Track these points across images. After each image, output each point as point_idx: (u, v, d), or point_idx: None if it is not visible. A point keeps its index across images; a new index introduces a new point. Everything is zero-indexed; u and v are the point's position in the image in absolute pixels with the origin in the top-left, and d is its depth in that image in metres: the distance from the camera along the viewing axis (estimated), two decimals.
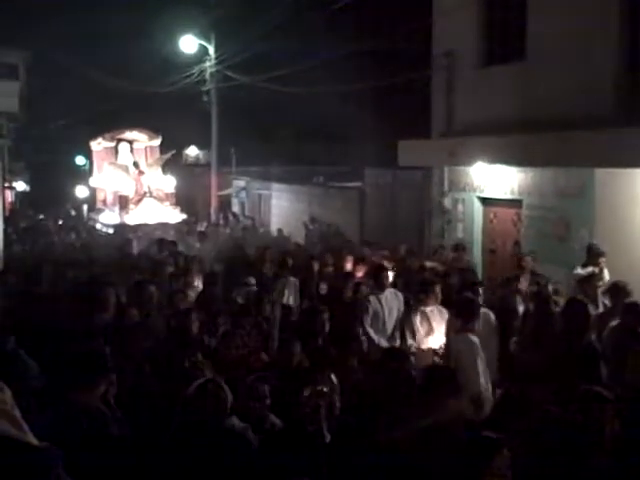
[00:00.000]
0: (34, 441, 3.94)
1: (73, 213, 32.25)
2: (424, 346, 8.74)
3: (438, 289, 9.11)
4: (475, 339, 7.46)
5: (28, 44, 34.91)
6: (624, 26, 11.86)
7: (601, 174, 12.14)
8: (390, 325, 9.43)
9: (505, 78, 14.46)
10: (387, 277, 9.90)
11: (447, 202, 16.62)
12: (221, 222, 25.94)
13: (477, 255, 15.72)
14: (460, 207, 16.32)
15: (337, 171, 29.39)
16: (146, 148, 27.42)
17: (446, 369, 6.48)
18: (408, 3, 22.76)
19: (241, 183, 33.50)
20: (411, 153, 16.64)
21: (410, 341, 8.89)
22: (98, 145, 27.68)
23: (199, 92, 28.79)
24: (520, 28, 13.94)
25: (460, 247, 13.65)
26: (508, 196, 14.68)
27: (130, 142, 27.48)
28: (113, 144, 27.34)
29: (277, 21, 22.93)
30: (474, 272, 12.42)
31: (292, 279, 11.46)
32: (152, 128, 27.75)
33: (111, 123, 27.74)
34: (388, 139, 18.62)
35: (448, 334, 8.36)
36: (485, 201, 15.74)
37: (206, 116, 29.49)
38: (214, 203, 29.79)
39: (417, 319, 8.93)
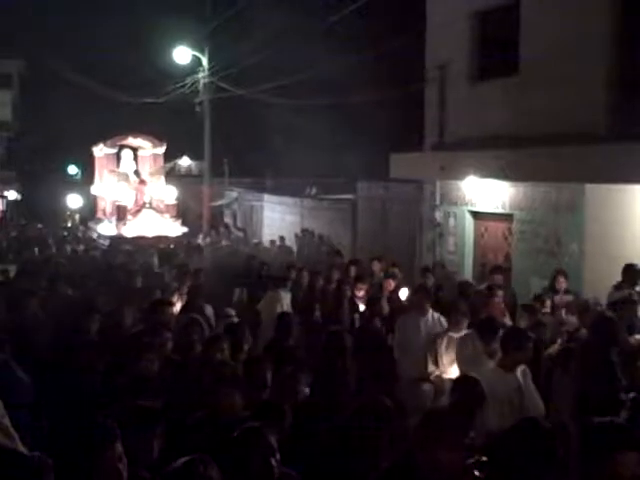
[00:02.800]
0: (24, 450, 3.94)
1: (69, 224, 31.87)
2: (446, 375, 7.92)
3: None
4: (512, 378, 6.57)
5: (22, 53, 34.98)
6: (616, 42, 11.94)
7: (592, 189, 12.20)
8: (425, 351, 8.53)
9: (498, 92, 14.52)
10: (428, 299, 9.10)
11: (438, 215, 16.65)
12: (212, 234, 25.44)
13: (468, 269, 15.76)
14: (451, 221, 16.36)
15: (329, 183, 29.42)
16: (151, 156, 26.46)
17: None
18: (402, 16, 22.87)
19: (233, 194, 33.45)
20: (403, 166, 16.69)
21: (431, 367, 8.16)
22: (100, 151, 26.68)
23: (192, 103, 28.79)
24: (513, 43, 14.01)
25: (498, 269, 12.39)
26: (499, 210, 14.73)
27: (134, 149, 26.47)
28: (114, 150, 26.30)
29: (271, 33, 22.99)
30: (513, 295, 11.71)
31: (284, 293, 11.19)
32: (155, 135, 26.98)
33: (104, 133, 27.38)
34: (380, 152, 18.67)
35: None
36: (476, 215, 15.78)
37: (199, 127, 29.48)
38: (206, 215, 29.61)
39: (443, 345, 8.17)
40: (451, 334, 8.20)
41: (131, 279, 12.55)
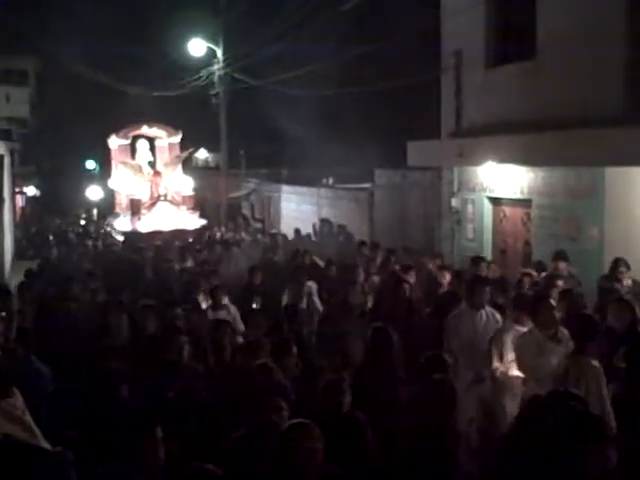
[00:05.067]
0: (46, 445, 3.96)
1: (82, 222, 31.72)
2: (511, 372, 7.49)
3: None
4: (596, 363, 6.47)
5: (37, 50, 35.08)
6: (634, 24, 11.80)
7: (611, 173, 12.08)
8: (482, 350, 7.95)
9: (514, 77, 14.42)
10: (485, 293, 8.41)
11: (456, 202, 16.57)
12: (230, 226, 24.78)
13: (487, 255, 15.67)
14: (470, 207, 16.29)
15: (346, 172, 29.35)
16: (168, 146, 25.54)
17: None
18: (417, 3, 22.75)
19: (251, 185, 33.37)
20: (420, 153, 16.63)
21: (496, 364, 7.60)
22: (114, 143, 25.87)
23: (208, 95, 28.80)
24: (529, 27, 13.88)
25: (561, 255, 11.53)
26: (518, 196, 14.64)
27: (151, 140, 25.63)
28: (128, 142, 25.41)
29: (285, 24, 22.92)
30: (578, 284, 10.77)
31: (311, 284, 11.10)
32: (171, 124, 26.21)
33: (120, 127, 27.11)
34: (397, 140, 18.59)
35: None
36: (495, 201, 15.70)
37: (215, 119, 29.48)
38: (224, 206, 29.53)
39: (509, 339, 7.58)
40: (517, 328, 7.66)
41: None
